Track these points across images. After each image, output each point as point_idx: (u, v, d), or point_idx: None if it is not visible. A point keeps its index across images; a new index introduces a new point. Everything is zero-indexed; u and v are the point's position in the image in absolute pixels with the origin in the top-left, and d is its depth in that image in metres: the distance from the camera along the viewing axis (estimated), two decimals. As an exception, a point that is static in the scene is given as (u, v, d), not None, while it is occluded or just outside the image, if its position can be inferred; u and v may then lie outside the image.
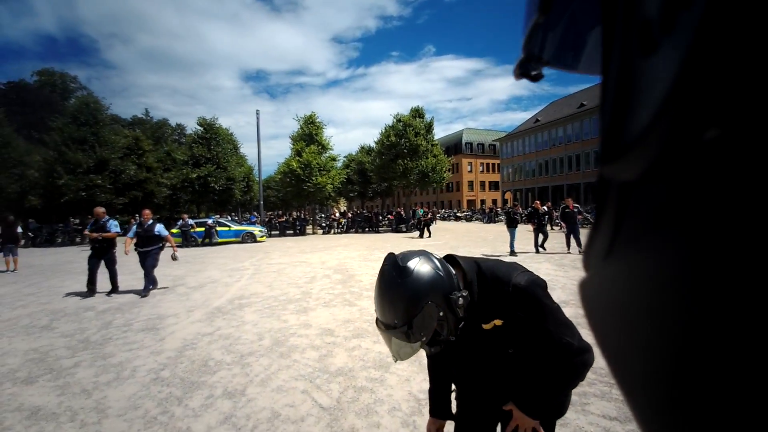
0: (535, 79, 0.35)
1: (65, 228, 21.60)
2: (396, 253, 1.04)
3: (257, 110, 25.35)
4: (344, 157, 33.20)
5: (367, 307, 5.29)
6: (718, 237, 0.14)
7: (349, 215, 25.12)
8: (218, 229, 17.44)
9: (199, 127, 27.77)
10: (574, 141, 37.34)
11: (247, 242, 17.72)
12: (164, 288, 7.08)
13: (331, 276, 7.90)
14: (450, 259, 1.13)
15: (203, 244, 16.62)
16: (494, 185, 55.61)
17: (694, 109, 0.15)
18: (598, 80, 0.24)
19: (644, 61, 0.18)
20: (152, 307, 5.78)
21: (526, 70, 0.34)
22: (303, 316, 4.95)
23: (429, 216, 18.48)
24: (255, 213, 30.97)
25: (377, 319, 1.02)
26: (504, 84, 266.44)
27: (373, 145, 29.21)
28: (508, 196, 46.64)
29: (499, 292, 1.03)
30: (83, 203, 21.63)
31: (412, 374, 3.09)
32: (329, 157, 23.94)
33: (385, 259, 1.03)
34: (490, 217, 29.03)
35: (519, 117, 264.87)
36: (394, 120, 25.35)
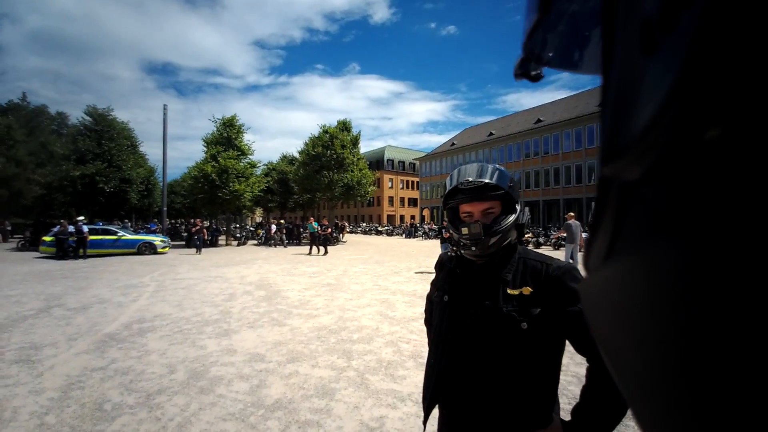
0: (535, 79, 0.35)
1: None
2: None
3: (165, 105, 22.68)
4: (264, 164, 31.41)
5: (299, 326, 4.87)
6: (719, 238, 0.14)
7: (274, 225, 23.10)
8: (96, 237, 14.39)
9: (87, 118, 23.66)
10: (484, 165, 41.51)
11: (146, 254, 15.36)
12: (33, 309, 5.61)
13: (253, 293, 7.19)
14: None
15: (80, 257, 13.73)
16: (413, 201, 58.31)
17: (695, 109, 0.15)
18: (598, 82, 0.23)
19: (644, 61, 0.18)
20: (24, 332, 4.57)
21: (526, 69, 0.34)
22: (224, 340, 4.33)
23: (329, 231, 15.61)
24: (155, 220, 27.11)
25: (449, 184, 1.06)
26: (422, 108, 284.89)
27: (296, 154, 28.21)
28: (426, 212, 49.21)
29: (539, 264, 1.01)
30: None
31: (360, 400, 2.86)
32: (249, 163, 22.31)
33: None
34: (410, 232, 30.14)
35: (435, 140, 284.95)
36: (321, 131, 24.93)
